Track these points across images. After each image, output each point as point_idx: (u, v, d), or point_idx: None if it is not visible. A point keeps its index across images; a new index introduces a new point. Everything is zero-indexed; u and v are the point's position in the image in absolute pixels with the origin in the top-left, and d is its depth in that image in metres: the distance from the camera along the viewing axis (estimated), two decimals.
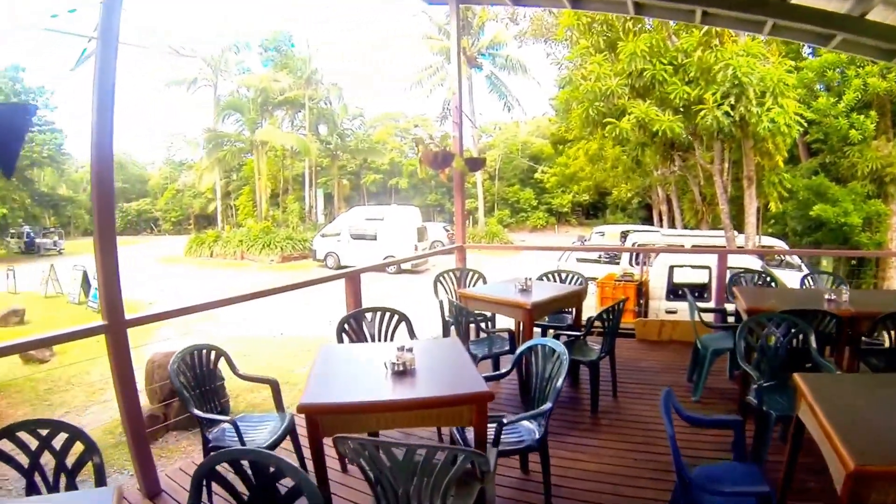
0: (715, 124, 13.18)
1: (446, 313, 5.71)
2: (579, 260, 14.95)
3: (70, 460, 2.64)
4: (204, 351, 3.68)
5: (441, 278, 6.46)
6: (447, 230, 29.51)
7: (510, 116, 40.64)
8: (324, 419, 2.86)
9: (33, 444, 2.60)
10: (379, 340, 4.56)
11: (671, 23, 14.44)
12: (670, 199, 24.88)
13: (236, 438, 3.25)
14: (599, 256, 15.55)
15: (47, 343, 3.47)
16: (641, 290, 11.23)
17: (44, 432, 2.60)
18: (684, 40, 14.18)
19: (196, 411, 3.34)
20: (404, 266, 23.54)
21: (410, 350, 3.20)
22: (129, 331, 3.49)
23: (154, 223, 51.63)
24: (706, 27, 12.13)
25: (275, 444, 3.39)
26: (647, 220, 32.84)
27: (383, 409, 2.97)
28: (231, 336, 13.11)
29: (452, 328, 5.26)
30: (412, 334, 4.58)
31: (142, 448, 3.52)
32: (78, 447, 2.61)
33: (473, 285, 6.51)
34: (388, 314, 4.66)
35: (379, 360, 3.24)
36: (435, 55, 34.84)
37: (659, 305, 11.01)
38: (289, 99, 36.40)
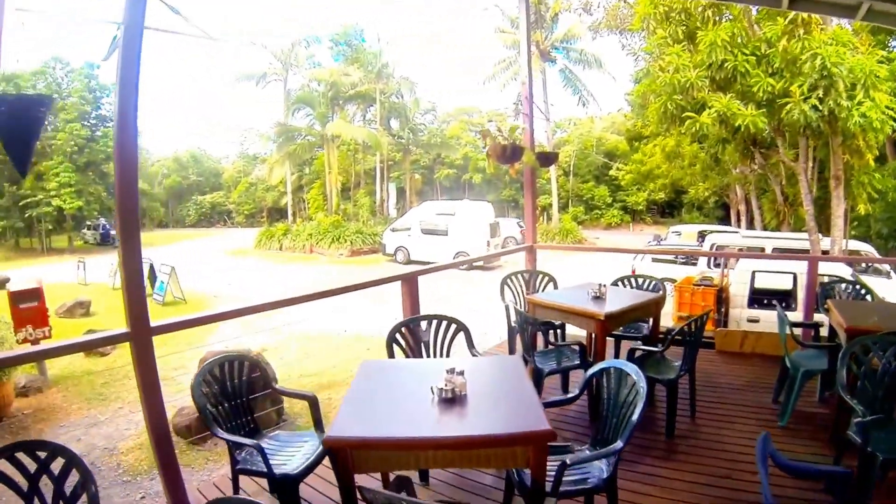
0: (801, 119, 12.38)
1: (512, 319, 5.42)
2: (655, 259, 14.39)
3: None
4: (236, 362, 3.45)
5: (508, 281, 6.17)
6: (521, 226, 29.00)
7: (585, 111, 40.18)
8: (355, 454, 2.56)
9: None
10: (434, 353, 4.28)
11: (753, 10, 13.75)
12: (749, 199, 23.91)
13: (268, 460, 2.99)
14: (676, 257, 14.93)
15: (68, 351, 3.38)
16: (721, 296, 10.63)
17: (42, 455, 2.45)
18: (768, 29, 13.39)
19: (220, 432, 3.08)
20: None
21: (461, 373, 2.85)
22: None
23: (228, 216, 53.09)
24: (792, 14, 11.43)
25: (310, 469, 3.12)
26: (724, 220, 31.74)
27: (424, 447, 2.60)
28: (293, 334, 13.09)
29: (518, 336, 4.97)
30: (471, 346, 4.28)
31: (168, 461, 3.32)
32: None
33: (543, 289, 6.21)
34: (444, 323, 4.31)
35: (426, 382, 2.89)
36: (508, 49, 34.32)
37: (740, 314, 10.35)
38: (360, 93, 36.50)
